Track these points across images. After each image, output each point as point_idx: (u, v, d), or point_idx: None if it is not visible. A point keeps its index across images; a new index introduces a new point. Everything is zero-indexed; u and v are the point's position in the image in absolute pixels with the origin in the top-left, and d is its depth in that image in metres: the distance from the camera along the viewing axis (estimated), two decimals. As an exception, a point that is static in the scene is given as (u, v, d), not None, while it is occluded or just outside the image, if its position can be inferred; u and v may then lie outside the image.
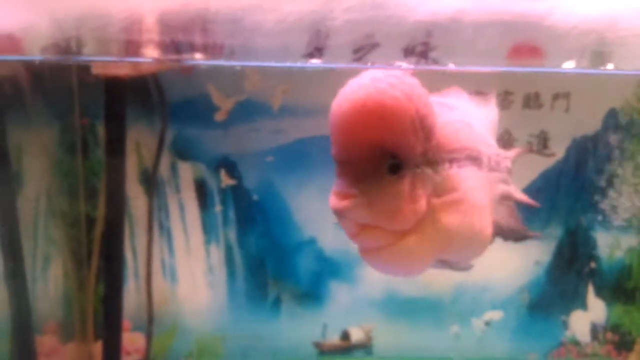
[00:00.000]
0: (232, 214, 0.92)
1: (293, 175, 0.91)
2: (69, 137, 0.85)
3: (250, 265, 0.94)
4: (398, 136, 0.43)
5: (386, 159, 0.44)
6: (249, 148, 0.89)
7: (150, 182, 0.88)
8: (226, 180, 0.91)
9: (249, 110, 0.88)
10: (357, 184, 0.44)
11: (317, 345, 0.97)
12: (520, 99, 0.91)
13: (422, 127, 0.44)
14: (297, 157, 0.90)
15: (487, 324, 0.98)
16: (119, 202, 0.84)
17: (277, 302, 0.95)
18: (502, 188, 0.53)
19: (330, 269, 0.94)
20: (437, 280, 0.96)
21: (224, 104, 0.87)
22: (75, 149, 0.86)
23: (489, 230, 0.50)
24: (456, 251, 0.49)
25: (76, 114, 0.84)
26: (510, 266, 0.96)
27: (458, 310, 0.97)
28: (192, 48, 0.61)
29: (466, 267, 0.53)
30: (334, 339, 0.97)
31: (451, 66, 0.69)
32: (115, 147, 0.80)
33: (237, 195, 0.91)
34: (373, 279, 0.96)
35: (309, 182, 0.91)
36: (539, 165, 0.93)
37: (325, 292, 0.95)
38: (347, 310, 0.96)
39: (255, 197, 0.92)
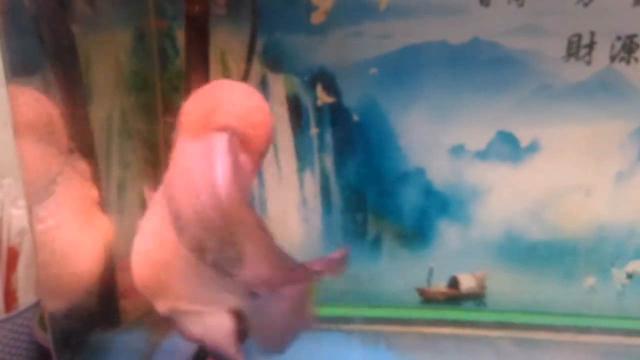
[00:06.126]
0: (329, 138, 0.79)
1: (400, 91, 0.76)
2: (144, 44, 0.74)
3: (349, 197, 0.81)
4: None
5: None
6: (350, 57, 0.74)
7: (237, 98, 0.76)
8: (323, 97, 0.77)
9: (351, 10, 0.73)
10: None
11: (421, 291, 0.85)
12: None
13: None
14: (405, 68, 0.75)
15: (630, 276, 0.82)
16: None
17: (377, 241, 0.82)
18: None
19: (439, 205, 0.81)
20: (570, 222, 0.80)
21: (323, 2, 0.72)
22: (151, 57, 0.75)
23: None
24: None
25: (151, 15, 0.73)
26: (664, 207, 0.79)
27: (595, 259, 0.81)
28: None
29: None
30: (440, 285, 0.85)
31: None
32: (198, 55, 0.67)
33: (335, 115, 0.78)
34: (490, 218, 0.81)
35: (418, 100, 0.77)
36: None
37: (433, 231, 0.82)
38: (457, 254, 0.82)
39: (355, 117, 0.78)
